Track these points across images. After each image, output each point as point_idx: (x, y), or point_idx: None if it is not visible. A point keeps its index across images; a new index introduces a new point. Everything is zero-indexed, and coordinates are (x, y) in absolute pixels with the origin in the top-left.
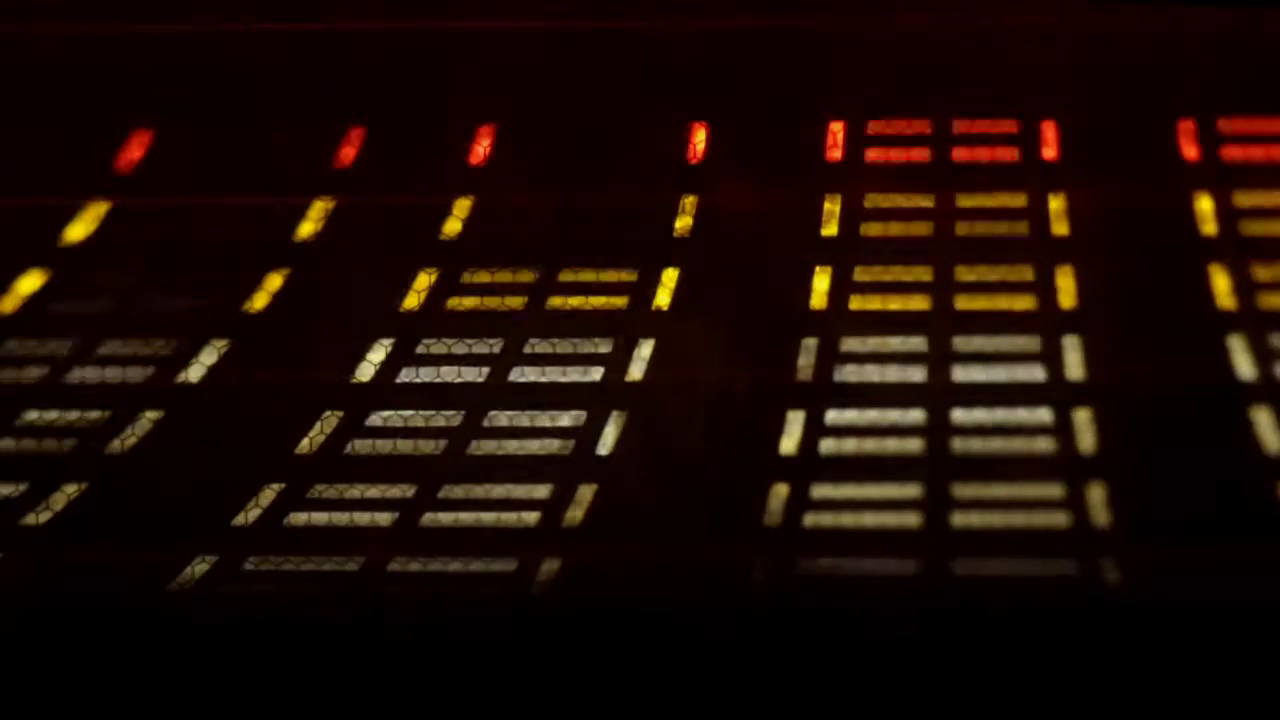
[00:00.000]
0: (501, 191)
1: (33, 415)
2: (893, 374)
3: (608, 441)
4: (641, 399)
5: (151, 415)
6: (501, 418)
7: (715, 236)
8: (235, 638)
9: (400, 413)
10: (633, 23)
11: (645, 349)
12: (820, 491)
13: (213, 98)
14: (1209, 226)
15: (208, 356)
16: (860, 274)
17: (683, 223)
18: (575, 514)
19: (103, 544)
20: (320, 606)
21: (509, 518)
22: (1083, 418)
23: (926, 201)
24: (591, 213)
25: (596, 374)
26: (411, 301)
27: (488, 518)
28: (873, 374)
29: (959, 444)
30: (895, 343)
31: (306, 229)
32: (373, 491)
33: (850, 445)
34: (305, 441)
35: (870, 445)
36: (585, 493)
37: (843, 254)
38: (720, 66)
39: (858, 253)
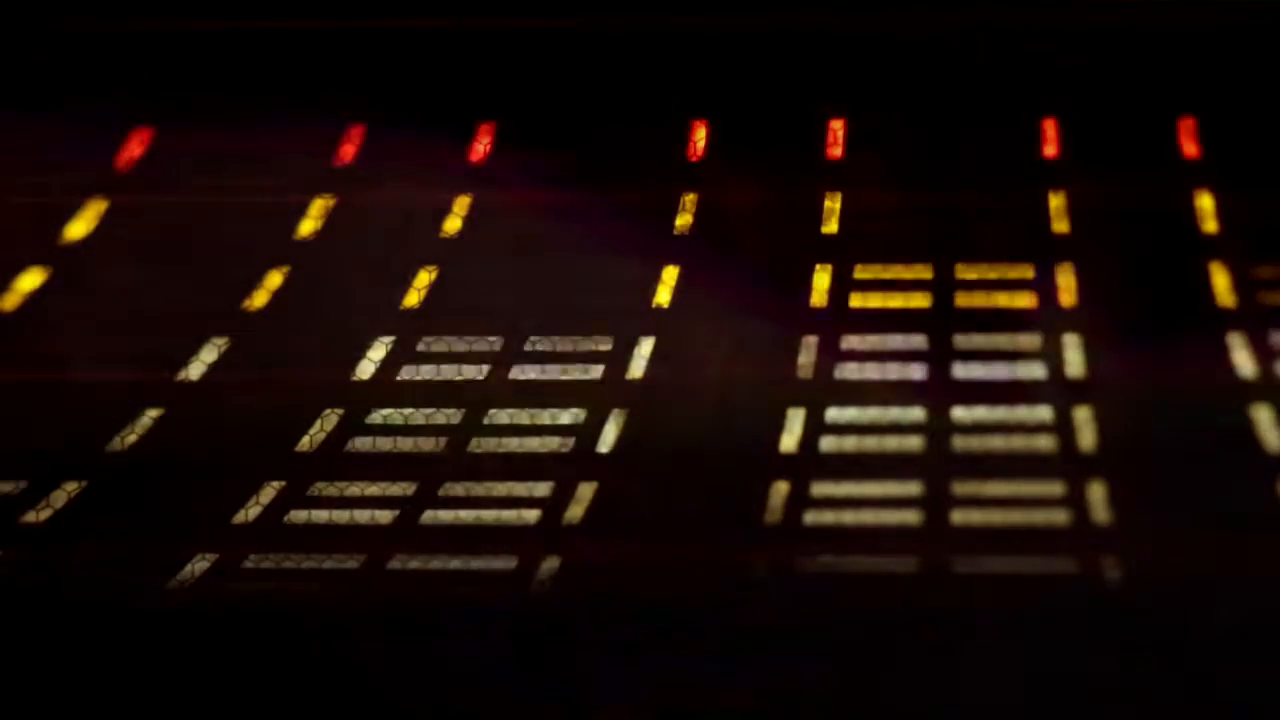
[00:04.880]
0: (502, 189)
1: (33, 413)
2: (893, 372)
3: (608, 439)
4: (642, 397)
5: (152, 413)
6: (502, 415)
7: (716, 234)
8: (235, 635)
9: (400, 410)
10: (632, 21)
11: (645, 346)
12: (820, 489)
13: (213, 97)
14: (1209, 224)
15: (208, 354)
16: (860, 271)
17: (683, 220)
18: (575, 512)
19: (103, 543)
20: (321, 604)
21: (509, 515)
22: (1082, 416)
23: (926, 199)
24: (592, 210)
25: (597, 371)
26: (412, 299)
27: (488, 515)
28: (873, 372)
29: (959, 442)
30: (895, 340)
31: (307, 227)
32: (373, 489)
33: (850, 443)
34: (305, 439)
35: (870, 443)
36: (585, 490)
37: (843, 251)
38: (720, 65)
39: (858, 250)
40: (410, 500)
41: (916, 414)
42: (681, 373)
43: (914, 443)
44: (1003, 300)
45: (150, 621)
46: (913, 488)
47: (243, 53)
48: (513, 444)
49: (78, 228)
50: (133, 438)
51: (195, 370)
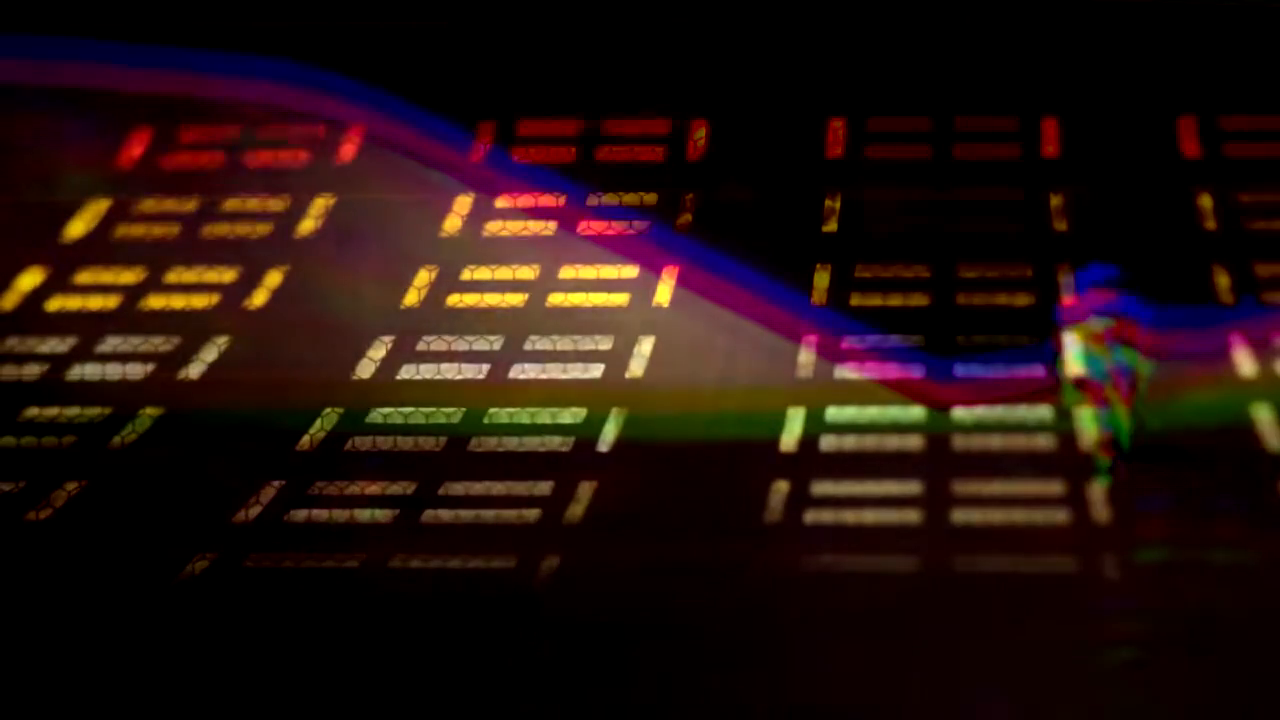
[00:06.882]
0: (502, 188)
1: (33, 412)
2: (893, 373)
3: (608, 439)
4: (642, 396)
5: (152, 412)
6: (502, 415)
7: (716, 233)
8: (235, 635)
9: (401, 409)
10: (632, 21)
11: (645, 346)
12: (821, 488)
13: (212, 96)
14: (1210, 223)
15: (208, 353)
16: (861, 271)
17: (683, 219)
18: (575, 511)
19: (103, 542)
20: (321, 603)
21: (509, 515)
22: (1082, 414)
23: (926, 198)
24: (592, 209)
25: (597, 371)
26: (412, 299)
27: (488, 514)
28: (873, 372)
29: (959, 441)
30: (895, 340)
31: (306, 226)
32: (373, 488)
33: (850, 442)
34: (305, 438)
35: (870, 442)
36: (585, 490)
37: (843, 251)
38: (721, 64)
39: (858, 250)
40: (410, 499)
41: (917, 413)
42: (682, 371)
43: (914, 442)
44: (1003, 299)
45: (150, 621)
46: (913, 486)
47: (243, 51)
48: (513, 444)
49: (78, 226)
50: (133, 436)
51: (195, 369)
